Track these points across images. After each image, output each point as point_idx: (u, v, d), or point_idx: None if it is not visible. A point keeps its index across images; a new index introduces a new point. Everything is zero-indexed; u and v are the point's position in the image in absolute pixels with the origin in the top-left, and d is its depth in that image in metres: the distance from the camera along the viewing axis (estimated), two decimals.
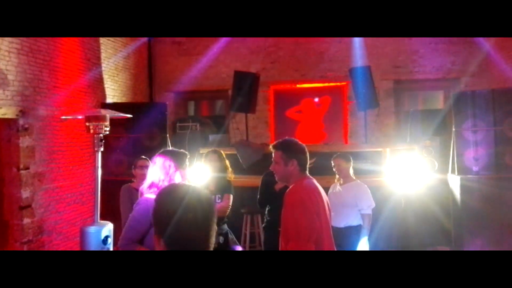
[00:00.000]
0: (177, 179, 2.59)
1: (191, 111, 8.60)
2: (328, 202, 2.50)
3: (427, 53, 6.90)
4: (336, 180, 3.83)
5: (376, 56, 7.04)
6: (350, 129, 7.36)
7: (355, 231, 3.55)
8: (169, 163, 2.55)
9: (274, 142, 2.58)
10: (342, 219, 3.60)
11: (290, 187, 2.40)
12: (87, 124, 4.54)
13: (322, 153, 5.99)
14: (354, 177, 3.77)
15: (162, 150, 2.70)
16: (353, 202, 3.57)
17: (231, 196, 3.76)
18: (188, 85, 7.65)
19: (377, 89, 6.82)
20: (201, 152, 6.29)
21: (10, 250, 4.68)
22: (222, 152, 3.89)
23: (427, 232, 6.00)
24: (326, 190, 3.76)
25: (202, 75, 7.61)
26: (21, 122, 4.60)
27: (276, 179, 2.53)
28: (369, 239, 5.60)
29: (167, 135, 5.96)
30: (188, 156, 2.68)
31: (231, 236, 3.74)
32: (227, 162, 3.89)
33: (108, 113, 4.78)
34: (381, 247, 5.93)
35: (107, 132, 4.59)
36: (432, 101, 7.58)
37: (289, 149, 2.44)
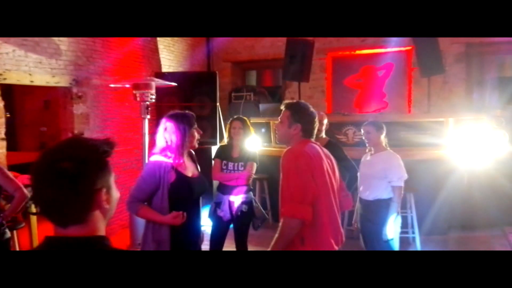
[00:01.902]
0: (188, 141, 2.59)
1: (252, 81, 8.59)
2: (332, 168, 2.34)
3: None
4: (367, 150, 3.57)
5: None
6: (414, 98, 6.82)
7: (385, 204, 3.27)
8: (175, 128, 2.55)
9: (287, 101, 2.46)
10: (371, 192, 3.34)
11: (287, 150, 2.28)
12: (134, 92, 4.74)
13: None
14: (387, 147, 3.47)
15: (168, 113, 2.69)
16: (382, 173, 3.29)
17: (255, 165, 3.67)
18: (245, 54, 7.61)
19: (445, 54, 6.20)
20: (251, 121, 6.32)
21: None
22: (246, 119, 3.79)
23: (495, 211, 5.43)
24: None
25: (258, 43, 7.51)
26: (74, 90, 4.91)
27: (277, 139, 2.41)
28: (426, 216, 5.24)
29: (217, 104, 5.99)
30: (195, 118, 2.65)
31: (256, 204, 3.68)
32: (252, 130, 3.79)
33: (153, 81, 4.94)
34: (441, 225, 5.53)
35: (153, 100, 4.77)
36: (510, 67, 6.71)
37: (297, 112, 2.30)
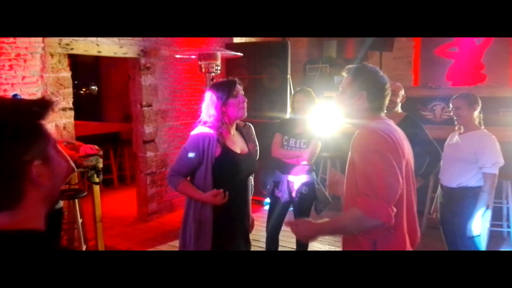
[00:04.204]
0: (230, 110, 2.32)
1: (332, 52, 8.03)
2: (411, 153, 1.86)
3: None
4: (456, 129, 2.98)
5: None
6: None
7: (471, 194, 2.69)
8: (215, 97, 2.29)
9: (349, 66, 1.94)
10: (456, 177, 2.77)
11: (359, 130, 1.81)
12: (199, 63, 4.57)
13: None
14: (481, 126, 2.86)
15: (211, 84, 2.44)
16: (472, 157, 2.71)
17: (319, 143, 3.26)
18: None
19: None
20: (325, 95, 5.87)
21: (139, 179, 5.17)
22: (311, 91, 3.36)
23: None
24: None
25: None
26: (142, 61, 4.87)
27: (338, 112, 1.95)
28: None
29: (288, 76, 5.63)
30: (237, 82, 2.35)
31: (319, 186, 3.31)
32: (317, 103, 3.36)
33: (218, 51, 4.72)
34: None
35: (218, 72, 4.56)
36: None
37: (361, 77, 1.81)
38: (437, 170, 3.06)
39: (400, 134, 1.81)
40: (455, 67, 6.40)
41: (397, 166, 1.65)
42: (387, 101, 1.86)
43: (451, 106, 2.92)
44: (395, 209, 1.62)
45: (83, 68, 9.14)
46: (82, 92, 9.59)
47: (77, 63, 8.87)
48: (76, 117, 4.06)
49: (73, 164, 2.78)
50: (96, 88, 9.54)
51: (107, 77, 9.17)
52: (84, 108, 9.08)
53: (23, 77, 3.72)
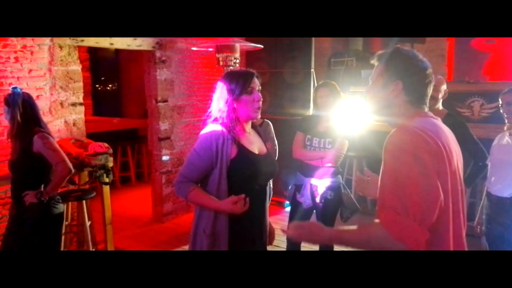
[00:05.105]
0: (242, 108, 2.00)
1: (358, 46, 7.64)
2: (460, 157, 1.49)
3: None
4: (505, 128, 2.60)
5: None
6: None
7: None
8: (226, 90, 1.97)
9: (381, 51, 1.56)
10: (508, 186, 2.40)
11: (395, 129, 1.44)
12: (217, 55, 4.29)
13: None
14: None
15: (224, 73, 2.12)
16: None
17: (347, 143, 2.93)
18: None
19: None
20: (351, 90, 5.51)
21: (154, 178, 4.94)
22: (335, 84, 3.02)
23: None
24: None
25: None
26: (158, 54, 4.62)
27: (370, 109, 1.60)
28: None
29: (311, 70, 5.29)
30: (255, 76, 2.02)
31: (346, 191, 2.97)
32: (343, 98, 3.02)
33: (238, 43, 4.43)
34: None
35: (237, 65, 4.28)
36: None
37: (396, 63, 1.45)
38: (483, 176, 2.69)
39: (448, 136, 1.44)
40: (493, 61, 5.93)
41: (436, 176, 1.30)
42: (430, 91, 1.49)
43: (500, 101, 2.55)
44: (428, 234, 1.27)
45: (102, 64, 9.03)
46: (108, 88, 9.47)
47: (96, 58, 8.76)
48: (96, 113, 3.87)
49: (70, 165, 2.53)
50: (116, 84, 9.42)
51: (127, 72, 9.03)
52: (103, 104, 8.98)
53: (30, 70, 3.51)
